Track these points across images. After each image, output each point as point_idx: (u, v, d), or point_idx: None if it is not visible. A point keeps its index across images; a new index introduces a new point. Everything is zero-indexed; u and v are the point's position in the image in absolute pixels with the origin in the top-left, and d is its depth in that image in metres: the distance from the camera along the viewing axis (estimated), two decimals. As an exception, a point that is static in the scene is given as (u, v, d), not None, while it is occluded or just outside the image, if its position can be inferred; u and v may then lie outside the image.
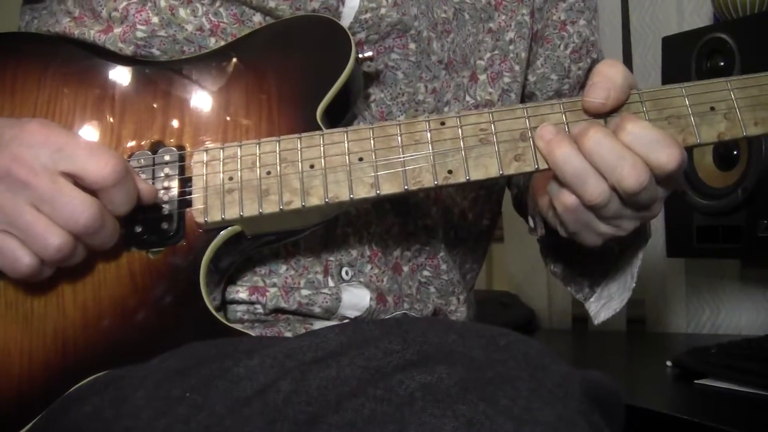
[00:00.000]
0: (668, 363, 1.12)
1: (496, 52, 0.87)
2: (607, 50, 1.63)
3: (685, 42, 1.31)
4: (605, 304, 0.89)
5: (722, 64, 1.24)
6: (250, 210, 0.67)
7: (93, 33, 0.75)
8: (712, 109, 0.68)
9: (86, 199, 0.61)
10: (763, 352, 1.07)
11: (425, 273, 0.85)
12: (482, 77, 0.86)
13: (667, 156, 0.64)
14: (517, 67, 0.89)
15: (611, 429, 0.55)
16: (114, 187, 0.62)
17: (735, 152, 1.25)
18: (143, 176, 0.69)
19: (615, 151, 0.64)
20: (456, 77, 0.84)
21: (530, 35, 0.91)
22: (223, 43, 0.75)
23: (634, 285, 0.88)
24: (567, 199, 0.66)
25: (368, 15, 0.76)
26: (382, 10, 0.77)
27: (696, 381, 1.03)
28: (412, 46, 0.80)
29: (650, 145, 0.64)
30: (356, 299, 0.76)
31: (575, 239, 0.71)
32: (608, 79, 0.67)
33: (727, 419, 0.87)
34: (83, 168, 0.61)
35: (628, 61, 1.64)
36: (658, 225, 1.55)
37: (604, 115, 0.68)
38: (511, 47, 0.88)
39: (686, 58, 1.30)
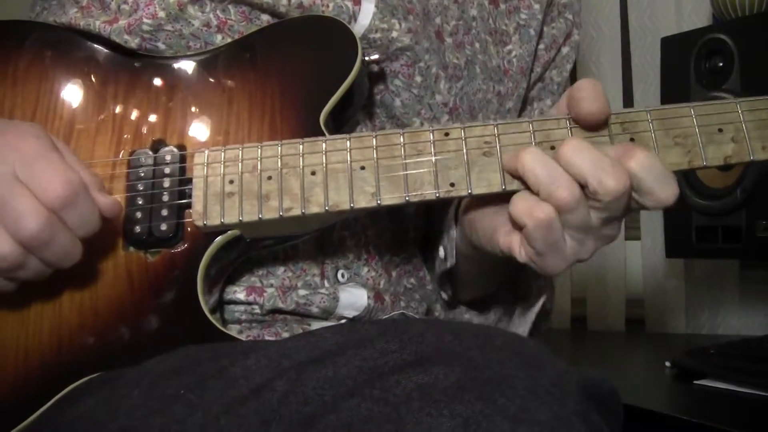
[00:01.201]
0: (667, 363, 1.12)
1: (498, 116, 0.87)
2: (606, 51, 1.64)
3: (684, 42, 1.31)
4: None
5: (721, 64, 1.24)
6: (250, 215, 0.66)
7: (98, 24, 0.74)
8: (720, 131, 0.67)
9: (35, 209, 0.59)
10: (763, 353, 1.07)
11: (411, 281, 0.85)
12: None
13: (668, 194, 0.64)
14: None
15: (609, 428, 0.55)
16: (63, 210, 0.60)
17: (734, 152, 1.24)
18: (142, 174, 0.68)
19: (594, 155, 0.62)
20: None
21: (521, 111, 0.92)
22: (229, 40, 0.74)
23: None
24: (540, 212, 0.63)
25: (378, 35, 0.76)
26: (394, 33, 0.76)
27: (695, 381, 1.03)
28: (418, 78, 0.79)
29: (657, 179, 0.63)
30: (354, 298, 0.76)
31: (536, 265, 0.67)
32: (594, 86, 0.65)
33: (727, 420, 0.87)
34: (36, 184, 0.59)
35: (627, 61, 1.64)
36: (657, 225, 1.56)
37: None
38: (508, 116, 0.88)
39: (685, 58, 1.29)
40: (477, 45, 0.86)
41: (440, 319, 0.86)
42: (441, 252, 0.83)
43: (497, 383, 0.49)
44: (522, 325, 0.86)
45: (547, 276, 0.79)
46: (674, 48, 1.34)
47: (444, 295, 0.90)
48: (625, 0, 1.63)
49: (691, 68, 1.28)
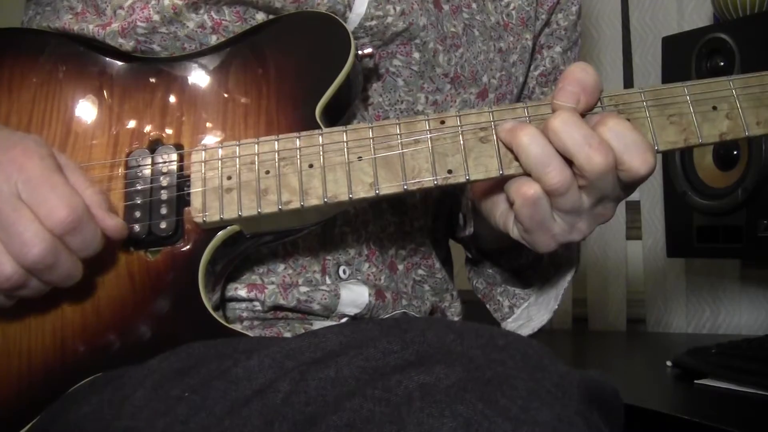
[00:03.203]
0: (668, 363, 1.12)
1: (503, 72, 0.87)
2: (607, 50, 1.64)
3: (685, 42, 1.32)
4: (523, 325, 0.90)
5: (722, 64, 1.24)
6: (249, 210, 0.67)
7: (92, 27, 0.74)
8: (714, 108, 0.67)
9: (39, 233, 0.59)
10: (763, 352, 1.07)
11: (420, 272, 0.85)
12: (491, 95, 0.86)
13: (641, 161, 0.63)
14: (515, 91, 0.89)
15: (610, 429, 0.55)
16: (66, 235, 0.60)
17: (735, 152, 1.25)
18: (140, 174, 0.69)
19: (584, 130, 0.63)
20: (463, 93, 0.83)
21: (530, 61, 0.91)
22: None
23: (556, 307, 0.89)
24: (528, 189, 0.65)
25: (374, 22, 0.76)
26: (389, 19, 0.76)
27: (696, 381, 1.03)
28: (416, 55, 0.79)
29: (628, 146, 0.63)
30: (355, 295, 0.76)
31: (527, 242, 0.70)
32: (579, 82, 0.66)
33: (727, 419, 0.86)
34: (40, 208, 0.60)
35: (628, 61, 1.64)
36: (658, 225, 1.56)
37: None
38: (513, 70, 0.88)
39: (686, 58, 1.30)
40: (474, 6, 0.85)
41: (442, 319, 0.86)
42: (460, 219, 0.84)
43: (499, 384, 0.49)
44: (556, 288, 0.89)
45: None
46: (675, 47, 1.34)
47: (468, 254, 0.94)
48: (626, 0, 1.64)
49: (692, 68, 1.28)
